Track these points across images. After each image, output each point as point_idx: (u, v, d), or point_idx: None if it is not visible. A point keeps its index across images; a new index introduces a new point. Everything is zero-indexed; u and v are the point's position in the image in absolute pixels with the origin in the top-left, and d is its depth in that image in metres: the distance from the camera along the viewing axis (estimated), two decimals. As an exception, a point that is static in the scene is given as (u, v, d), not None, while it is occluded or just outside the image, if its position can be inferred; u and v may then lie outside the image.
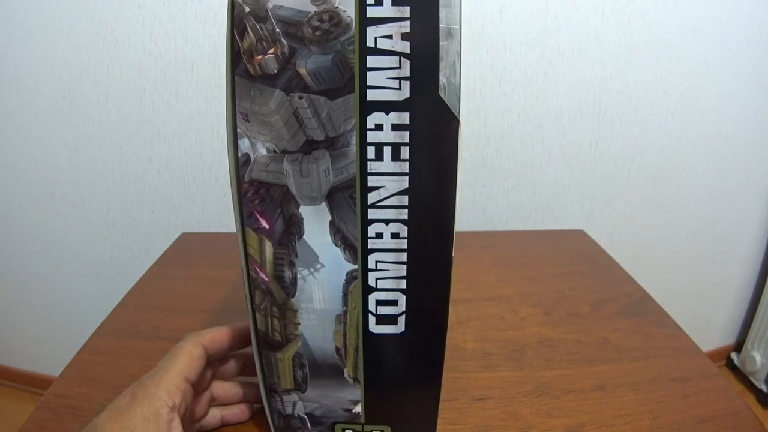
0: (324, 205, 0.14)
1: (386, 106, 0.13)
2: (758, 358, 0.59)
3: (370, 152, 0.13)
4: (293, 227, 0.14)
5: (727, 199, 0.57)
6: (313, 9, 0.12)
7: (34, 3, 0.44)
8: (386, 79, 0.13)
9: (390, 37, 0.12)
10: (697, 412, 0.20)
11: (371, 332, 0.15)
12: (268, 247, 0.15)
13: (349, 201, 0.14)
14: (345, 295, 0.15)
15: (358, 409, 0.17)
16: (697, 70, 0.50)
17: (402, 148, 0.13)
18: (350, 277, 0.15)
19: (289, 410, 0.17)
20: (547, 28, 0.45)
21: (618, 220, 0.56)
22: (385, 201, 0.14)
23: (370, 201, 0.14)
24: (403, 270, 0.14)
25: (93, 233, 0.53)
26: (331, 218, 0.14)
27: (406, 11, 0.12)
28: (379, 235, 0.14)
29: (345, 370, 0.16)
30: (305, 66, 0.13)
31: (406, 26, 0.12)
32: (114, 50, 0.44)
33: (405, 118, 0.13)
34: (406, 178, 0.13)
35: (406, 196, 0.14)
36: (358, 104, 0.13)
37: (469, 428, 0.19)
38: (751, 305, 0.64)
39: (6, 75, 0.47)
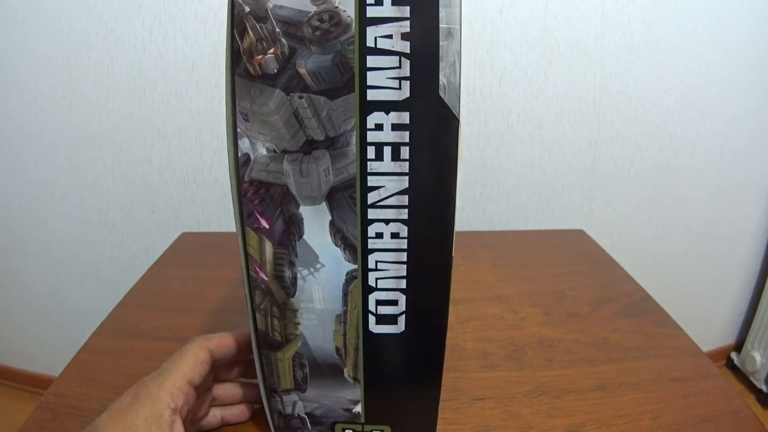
0: (324, 205, 0.14)
1: (386, 106, 0.13)
2: (758, 358, 0.59)
3: (370, 152, 0.13)
4: (293, 227, 0.14)
5: (727, 199, 0.57)
6: (313, 9, 0.12)
7: (34, 3, 0.44)
8: (386, 79, 0.13)
9: (390, 37, 0.12)
10: (697, 412, 0.20)
11: (371, 332, 0.15)
12: (268, 247, 0.15)
13: (349, 201, 0.14)
14: (345, 294, 0.15)
15: (358, 408, 0.17)
16: (697, 70, 0.50)
17: (402, 148, 0.13)
18: (350, 277, 0.15)
19: (289, 410, 0.17)
20: (547, 28, 0.45)
21: (618, 220, 0.56)
22: (385, 201, 0.14)
23: (370, 201, 0.14)
24: (403, 270, 0.14)
25: (93, 233, 0.53)
26: (331, 218, 0.14)
27: (406, 11, 0.12)
28: (379, 235, 0.14)
29: (345, 370, 0.16)
30: (305, 66, 0.13)
31: (406, 26, 0.12)
32: (114, 50, 0.44)
33: (405, 118, 0.13)
34: (406, 177, 0.13)
35: (406, 196, 0.14)
36: (358, 104, 0.13)
37: (469, 428, 0.19)
38: (751, 305, 0.64)
39: (6, 75, 0.47)
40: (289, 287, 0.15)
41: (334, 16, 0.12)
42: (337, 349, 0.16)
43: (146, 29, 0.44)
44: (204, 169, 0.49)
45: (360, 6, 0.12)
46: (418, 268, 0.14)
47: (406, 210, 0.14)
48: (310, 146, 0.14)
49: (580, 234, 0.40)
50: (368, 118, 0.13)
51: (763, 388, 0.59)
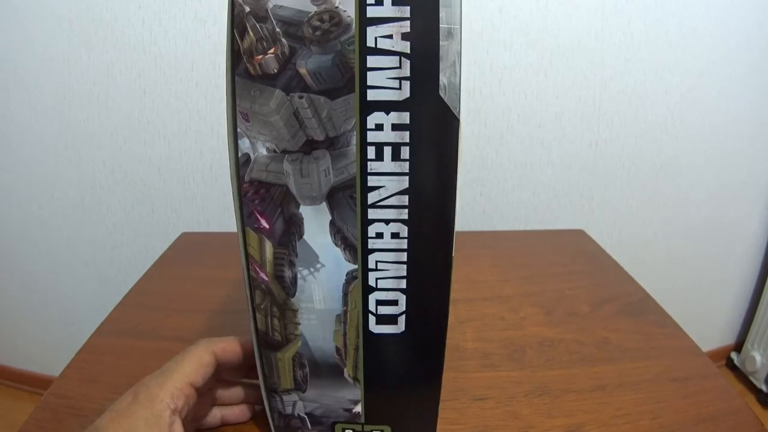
0: (324, 205, 0.14)
1: (386, 106, 0.13)
2: (758, 358, 0.59)
3: (370, 152, 0.13)
4: (293, 227, 0.14)
5: (727, 199, 0.57)
6: (313, 9, 0.12)
7: (34, 3, 0.44)
8: (386, 79, 0.13)
9: (390, 37, 0.12)
10: (697, 412, 0.20)
11: (371, 332, 0.15)
12: (268, 247, 0.15)
13: (349, 201, 0.14)
14: (345, 295, 0.15)
15: (358, 408, 0.17)
16: (697, 70, 0.50)
17: (402, 148, 0.13)
18: (350, 277, 0.15)
19: (289, 410, 0.17)
20: (547, 28, 0.45)
21: (618, 220, 0.55)
22: (385, 201, 0.14)
23: (370, 201, 0.14)
24: (403, 270, 0.14)
25: (93, 233, 0.53)
26: (331, 218, 0.14)
27: (406, 11, 0.12)
28: (379, 235, 0.14)
29: (345, 370, 0.16)
30: (305, 66, 0.13)
31: (406, 26, 0.12)
32: (114, 50, 0.44)
33: (405, 118, 0.13)
34: (407, 177, 0.13)
35: (407, 196, 0.14)
36: (358, 104, 0.13)
37: (469, 428, 0.19)
38: (751, 305, 0.63)
39: (6, 75, 0.47)
40: (289, 287, 0.15)
41: (334, 16, 0.13)
42: (337, 349, 0.16)
43: (146, 29, 0.44)
44: (204, 169, 0.49)
45: (360, 6, 0.12)
46: (418, 268, 0.14)
47: (407, 210, 0.14)
48: (310, 146, 0.14)
49: (580, 234, 0.40)
50: (368, 118, 0.13)
51: (763, 388, 0.59)
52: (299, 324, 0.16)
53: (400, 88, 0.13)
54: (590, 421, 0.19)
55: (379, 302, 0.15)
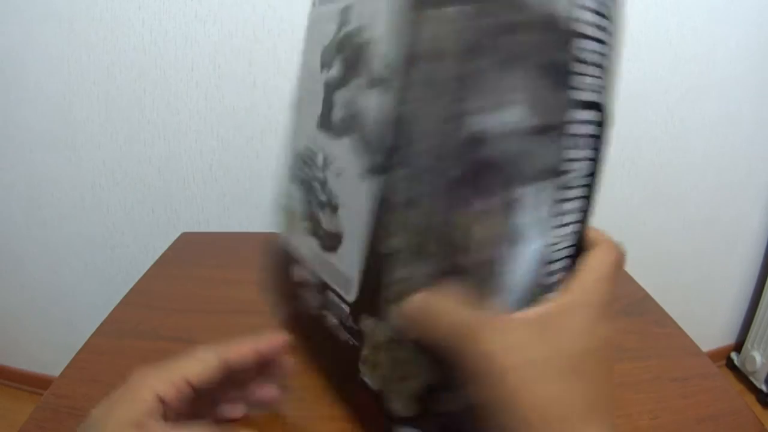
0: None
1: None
2: (758, 358, 0.59)
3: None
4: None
5: (727, 199, 0.57)
6: None
7: (34, 3, 0.43)
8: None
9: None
10: (697, 412, 0.20)
11: None
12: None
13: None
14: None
15: None
16: (697, 69, 0.49)
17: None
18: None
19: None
20: (547, 28, 0.45)
21: (618, 220, 0.55)
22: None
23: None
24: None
25: (93, 233, 0.53)
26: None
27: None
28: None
29: None
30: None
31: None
32: (114, 50, 0.44)
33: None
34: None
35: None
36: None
37: (469, 428, 0.19)
38: (751, 305, 0.63)
39: (6, 75, 0.47)
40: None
41: None
42: None
43: (146, 29, 0.44)
44: (204, 169, 0.49)
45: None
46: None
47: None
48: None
49: (580, 234, 0.40)
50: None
51: (763, 388, 0.59)
52: None
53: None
54: None
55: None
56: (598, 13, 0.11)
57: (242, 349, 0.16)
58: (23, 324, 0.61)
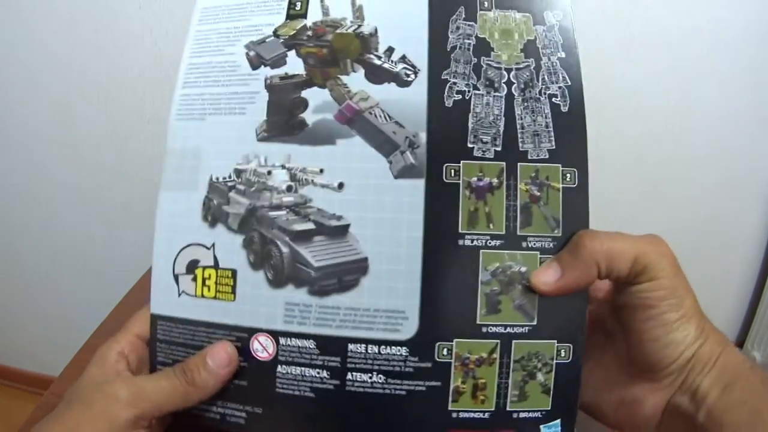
0: None
1: None
2: (758, 358, 0.54)
3: None
4: None
5: (727, 198, 0.53)
6: None
7: (34, 3, 0.42)
8: None
9: None
10: None
11: None
12: None
13: None
14: None
15: None
16: (698, 68, 0.47)
17: None
18: None
19: None
20: (547, 27, 0.43)
21: (618, 220, 0.51)
22: None
23: None
24: None
25: (93, 233, 0.51)
26: None
27: None
28: None
29: None
30: None
31: None
32: (114, 50, 0.43)
33: None
34: None
35: None
36: None
37: None
38: (751, 305, 0.58)
39: (6, 75, 0.46)
40: None
41: None
42: None
43: (146, 29, 0.42)
44: (202, 169, 0.47)
45: None
46: None
47: None
48: None
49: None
50: None
51: None
52: None
53: None
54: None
55: None
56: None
57: None
58: (23, 324, 0.58)
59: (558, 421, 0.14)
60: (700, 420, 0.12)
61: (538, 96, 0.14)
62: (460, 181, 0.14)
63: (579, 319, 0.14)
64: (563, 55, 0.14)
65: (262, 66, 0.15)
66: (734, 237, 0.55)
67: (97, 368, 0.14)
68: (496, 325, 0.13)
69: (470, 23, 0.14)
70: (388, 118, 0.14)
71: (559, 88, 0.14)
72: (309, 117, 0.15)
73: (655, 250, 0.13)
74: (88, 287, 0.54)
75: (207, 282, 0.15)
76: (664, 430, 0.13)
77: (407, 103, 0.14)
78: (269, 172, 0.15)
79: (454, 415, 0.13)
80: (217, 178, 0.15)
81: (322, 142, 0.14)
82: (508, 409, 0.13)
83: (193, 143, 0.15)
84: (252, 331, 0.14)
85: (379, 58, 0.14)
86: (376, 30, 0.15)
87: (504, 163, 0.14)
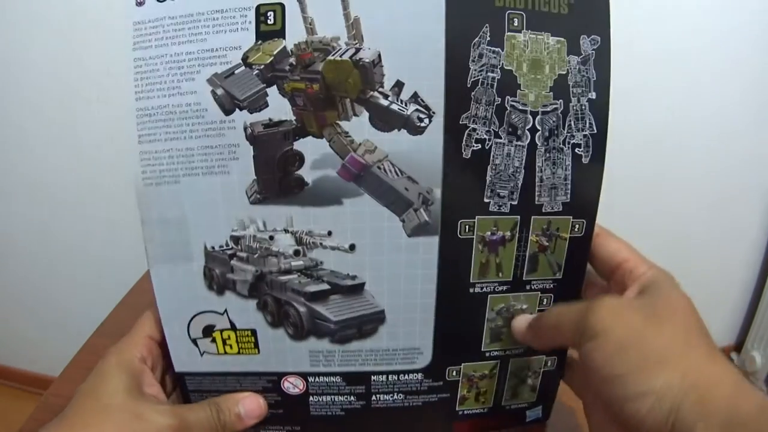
0: None
1: None
2: (758, 358, 0.53)
3: None
4: None
5: (727, 199, 0.53)
6: None
7: (33, 3, 0.38)
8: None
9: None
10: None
11: None
12: None
13: None
14: None
15: None
16: (698, 71, 0.44)
17: None
18: None
19: None
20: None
21: (618, 221, 0.51)
22: None
23: None
24: None
25: (93, 233, 0.48)
26: None
27: None
28: None
29: None
30: None
31: None
32: (114, 50, 0.34)
33: None
34: None
35: None
36: None
37: None
38: (751, 305, 0.60)
39: (6, 75, 0.41)
40: None
41: None
42: None
43: None
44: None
45: None
46: None
47: None
48: None
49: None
50: None
51: (763, 388, 0.54)
52: None
53: None
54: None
55: None
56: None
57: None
58: (23, 324, 0.56)
59: (540, 407, 0.17)
60: None
61: (561, 146, 0.12)
62: (474, 236, 0.13)
63: None
64: (594, 96, 0.12)
65: (237, 110, 0.11)
66: (734, 237, 0.56)
67: (124, 378, 0.13)
68: (497, 350, 0.15)
69: (495, 50, 0.11)
70: (399, 173, 0.12)
71: (584, 136, 0.12)
72: (307, 174, 0.12)
73: (598, 307, 0.12)
74: (88, 287, 0.52)
75: (228, 342, 0.14)
76: None
77: (420, 154, 0.12)
78: (271, 238, 0.13)
79: (460, 412, 0.16)
80: (213, 247, 0.13)
81: (327, 203, 0.12)
82: (502, 404, 0.16)
83: (172, 213, 0.12)
84: (281, 375, 0.15)
85: (386, 96, 0.11)
86: (379, 56, 0.11)
87: (518, 217, 0.13)
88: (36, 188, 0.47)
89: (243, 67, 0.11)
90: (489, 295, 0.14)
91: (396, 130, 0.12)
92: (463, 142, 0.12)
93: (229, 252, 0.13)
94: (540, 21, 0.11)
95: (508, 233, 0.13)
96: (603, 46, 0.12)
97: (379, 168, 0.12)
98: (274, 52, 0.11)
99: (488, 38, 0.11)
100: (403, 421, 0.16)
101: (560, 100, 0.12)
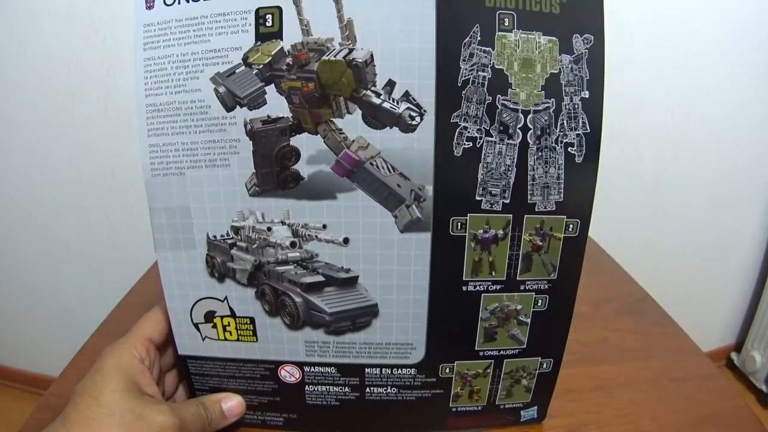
0: None
1: None
2: (758, 358, 0.53)
3: None
4: None
5: (727, 199, 0.51)
6: None
7: (33, 4, 0.38)
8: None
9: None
10: (697, 412, 0.18)
11: None
12: None
13: None
14: None
15: None
16: (697, 70, 0.42)
17: None
18: None
19: None
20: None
21: (618, 221, 0.50)
22: None
23: None
24: None
25: (93, 234, 0.48)
26: None
27: None
28: None
29: None
30: None
31: None
32: (114, 51, 0.38)
33: None
34: None
35: None
36: None
37: None
38: (751, 305, 0.58)
39: (6, 76, 0.41)
40: None
41: None
42: None
43: None
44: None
45: None
46: None
47: None
48: None
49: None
50: None
51: (763, 388, 0.53)
52: None
53: None
54: (590, 421, 0.18)
55: None
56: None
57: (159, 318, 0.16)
58: (23, 324, 0.57)
59: (535, 408, 0.16)
60: None
61: (553, 145, 0.12)
62: (467, 234, 0.13)
63: (560, 337, 0.15)
64: (587, 95, 0.11)
65: (238, 107, 0.12)
66: (734, 237, 0.54)
67: (123, 378, 0.13)
68: (491, 350, 0.15)
69: (486, 49, 0.11)
70: (391, 169, 0.12)
71: (577, 135, 0.12)
72: (303, 169, 0.12)
73: None
74: (87, 288, 0.51)
75: (228, 328, 0.15)
76: None
77: (412, 152, 0.12)
78: (269, 229, 0.13)
79: (454, 409, 0.16)
80: (215, 236, 0.13)
81: (322, 197, 0.12)
82: (496, 403, 0.16)
83: (177, 202, 0.13)
84: (278, 363, 0.15)
85: (378, 95, 0.11)
86: (371, 56, 0.11)
87: (511, 216, 0.13)
88: (36, 188, 0.46)
89: (243, 67, 0.11)
90: (482, 294, 0.14)
91: (388, 127, 0.12)
92: (455, 140, 0.12)
93: (229, 241, 0.13)
94: (531, 21, 0.11)
95: (501, 232, 0.13)
96: (596, 45, 0.11)
97: (371, 164, 0.12)
98: (272, 53, 0.11)
99: (479, 38, 0.11)
100: (397, 415, 0.15)
101: (552, 99, 0.12)
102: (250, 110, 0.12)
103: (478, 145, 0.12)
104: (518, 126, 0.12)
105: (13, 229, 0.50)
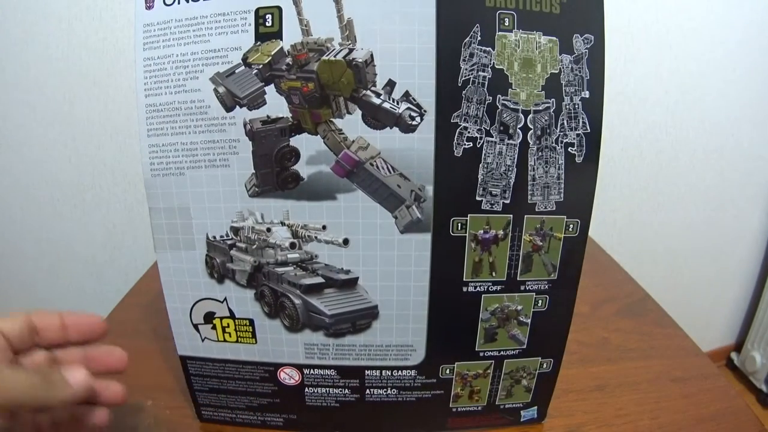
0: None
1: None
2: (758, 358, 0.52)
3: None
4: None
5: (727, 199, 0.51)
6: None
7: (33, 3, 0.37)
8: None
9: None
10: (697, 412, 0.18)
11: None
12: None
13: None
14: None
15: None
16: (698, 71, 0.42)
17: None
18: None
19: None
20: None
21: (618, 220, 0.50)
22: None
23: None
24: None
25: (93, 234, 0.48)
26: None
27: None
28: None
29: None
30: None
31: None
32: (113, 50, 0.37)
33: None
34: None
35: None
36: None
37: None
38: (751, 305, 0.58)
39: (6, 75, 0.40)
40: None
41: None
42: None
43: None
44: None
45: None
46: None
47: None
48: None
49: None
50: None
51: (763, 388, 0.53)
52: None
53: None
54: (590, 421, 0.17)
55: None
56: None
57: (49, 316, 0.15)
58: None
59: (535, 408, 0.16)
60: None
61: (554, 145, 0.12)
62: (467, 234, 0.13)
63: (560, 337, 0.15)
64: (587, 95, 0.11)
65: (237, 107, 0.12)
66: (734, 237, 0.54)
67: None
68: (491, 350, 0.15)
69: (486, 49, 0.11)
70: (391, 169, 0.12)
71: (578, 135, 0.12)
72: (303, 169, 0.12)
73: None
74: (87, 288, 0.52)
75: (227, 329, 0.15)
76: None
77: (412, 152, 0.12)
78: (269, 230, 0.13)
79: (454, 409, 0.16)
80: (214, 237, 0.13)
81: (322, 198, 0.12)
82: (496, 403, 0.16)
83: (177, 203, 0.13)
84: (278, 365, 0.15)
85: (378, 95, 0.11)
86: (371, 56, 0.11)
87: (511, 216, 0.12)
88: (36, 188, 0.46)
89: (243, 67, 0.11)
90: (483, 295, 0.13)
91: (388, 127, 0.11)
92: (455, 141, 0.12)
93: (229, 242, 0.13)
94: (531, 20, 0.11)
95: (501, 232, 0.13)
96: (597, 45, 0.11)
97: (371, 165, 0.12)
98: (272, 53, 0.11)
99: (479, 38, 0.11)
100: (397, 415, 0.15)
101: (552, 99, 0.11)
102: (250, 110, 0.12)
103: (478, 146, 0.12)
104: (518, 126, 0.12)
105: (13, 229, 0.49)
